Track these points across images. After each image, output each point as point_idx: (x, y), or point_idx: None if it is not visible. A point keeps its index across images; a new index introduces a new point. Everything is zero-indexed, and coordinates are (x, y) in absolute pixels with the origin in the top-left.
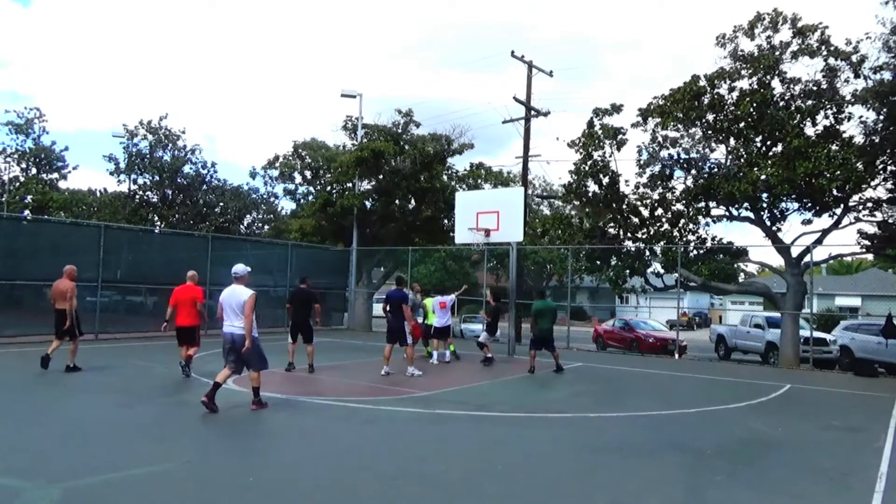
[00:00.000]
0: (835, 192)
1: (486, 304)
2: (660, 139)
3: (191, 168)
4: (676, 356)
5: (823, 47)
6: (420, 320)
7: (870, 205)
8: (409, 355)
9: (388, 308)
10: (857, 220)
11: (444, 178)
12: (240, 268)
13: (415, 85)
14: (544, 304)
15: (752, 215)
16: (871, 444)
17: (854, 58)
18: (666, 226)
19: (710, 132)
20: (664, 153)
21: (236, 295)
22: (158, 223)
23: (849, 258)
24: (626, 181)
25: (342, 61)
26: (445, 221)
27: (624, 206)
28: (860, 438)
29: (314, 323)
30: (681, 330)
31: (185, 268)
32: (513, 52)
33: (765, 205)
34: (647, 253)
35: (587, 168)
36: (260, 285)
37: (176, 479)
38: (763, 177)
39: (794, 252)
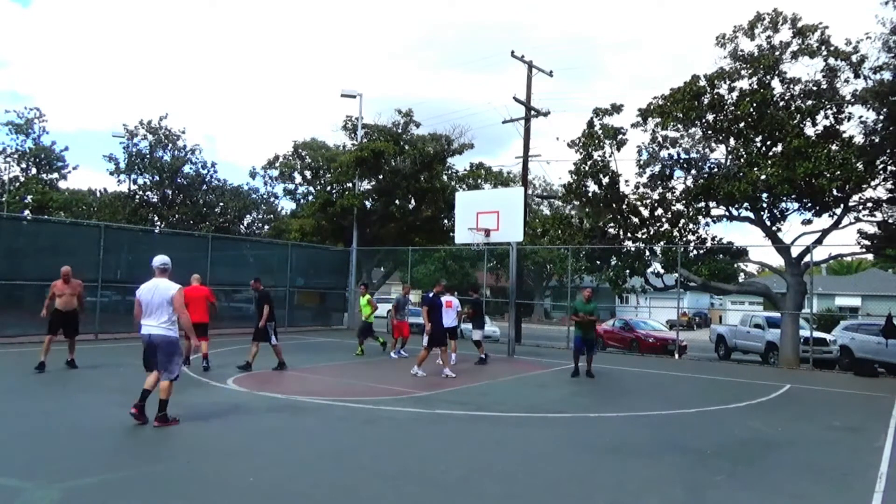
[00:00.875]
0: (835, 192)
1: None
2: (660, 139)
3: (191, 168)
4: (676, 356)
5: (823, 47)
6: (410, 320)
7: (870, 205)
8: (420, 357)
9: None
10: (857, 220)
11: (444, 178)
12: (162, 259)
13: (415, 85)
14: None
15: (752, 215)
16: (871, 444)
17: (854, 58)
18: (666, 226)
19: (710, 132)
20: (664, 153)
21: (160, 290)
22: (158, 223)
23: (849, 258)
24: (626, 181)
25: (342, 61)
26: (445, 221)
27: (624, 206)
28: (860, 438)
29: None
30: (681, 330)
31: (185, 268)
32: (513, 52)
33: (765, 205)
34: (647, 253)
35: (587, 168)
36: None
37: (176, 479)
38: (763, 177)
39: (794, 252)
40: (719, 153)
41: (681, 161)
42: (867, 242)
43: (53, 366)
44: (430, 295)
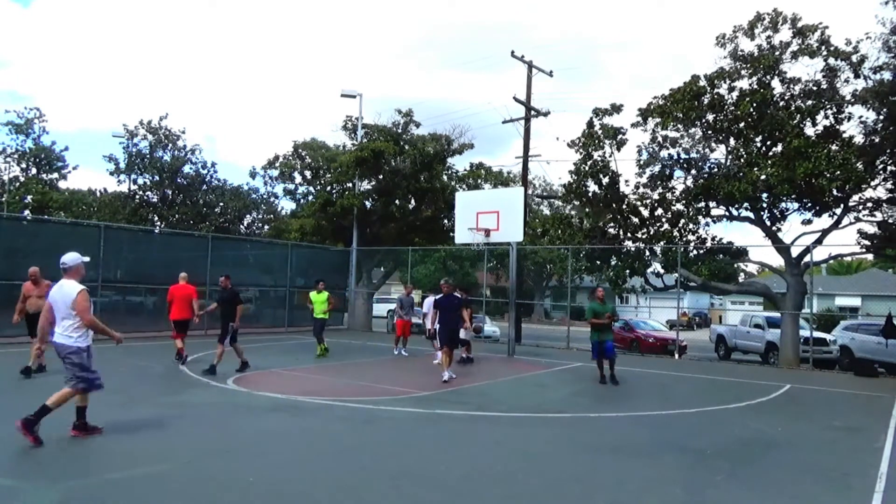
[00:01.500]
0: (835, 192)
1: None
2: (660, 139)
3: (191, 168)
4: (676, 356)
5: (823, 47)
6: (414, 320)
7: (870, 205)
8: (442, 359)
9: None
10: (857, 220)
11: (444, 178)
12: (70, 257)
13: (415, 85)
14: None
15: (752, 215)
16: (871, 444)
17: (854, 58)
18: (666, 226)
19: (710, 132)
20: (664, 153)
21: (62, 293)
22: (158, 223)
23: (849, 258)
24: (626, 181)
25: (342, 61)
26: (445, 221)
27: (624, 206)
28: (860, 438)
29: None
30: (681, 330)
31: (184, 268)
32: (513, 52)
33: (765, 205)
34: (647, 253)
35: (587, 168)
36: (260, 285)
37: (176, 479)
38: (763, 177)
39: (794, 252)
40: (719, 153)
41: (681, 161)
42: (867, 242)
43: (53, 366)
44: (439, 297)
